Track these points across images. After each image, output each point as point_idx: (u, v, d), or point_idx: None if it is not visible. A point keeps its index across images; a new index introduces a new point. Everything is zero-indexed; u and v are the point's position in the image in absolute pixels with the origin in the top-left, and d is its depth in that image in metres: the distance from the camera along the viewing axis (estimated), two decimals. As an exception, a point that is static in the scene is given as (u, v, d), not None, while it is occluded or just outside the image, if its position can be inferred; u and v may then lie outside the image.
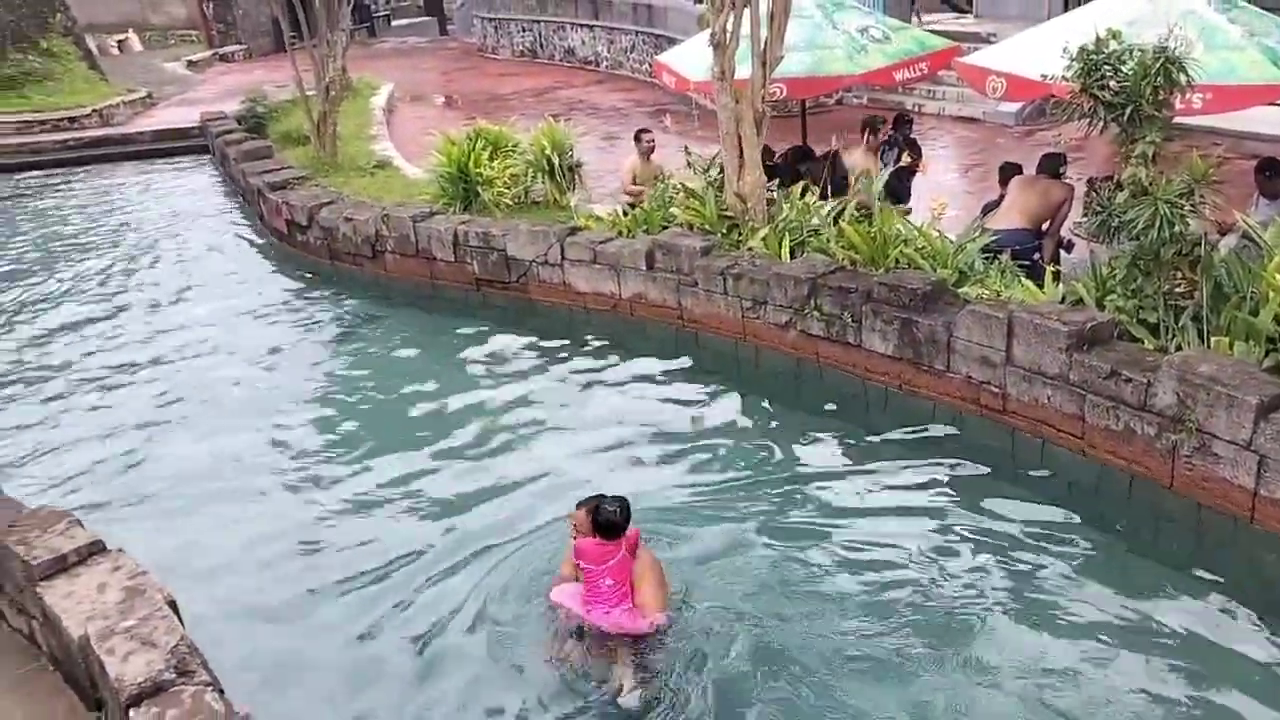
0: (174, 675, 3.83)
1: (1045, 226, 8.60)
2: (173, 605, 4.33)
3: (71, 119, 19.00)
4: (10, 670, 4.67)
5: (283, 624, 5.68)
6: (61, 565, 4.54)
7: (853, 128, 10.47)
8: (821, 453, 7.11)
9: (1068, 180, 8.81)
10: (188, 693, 3.77)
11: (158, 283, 11.57)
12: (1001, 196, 8.98)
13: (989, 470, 6.75)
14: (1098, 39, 6.47)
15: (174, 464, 7.42)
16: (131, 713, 3.68)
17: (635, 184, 10.51)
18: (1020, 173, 9.12)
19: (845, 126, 14.21)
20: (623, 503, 5.26)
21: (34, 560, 4.52)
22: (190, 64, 27.47)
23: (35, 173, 17.38)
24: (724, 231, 9.05)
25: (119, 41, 30.11)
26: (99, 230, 13.87)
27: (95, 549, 4.66)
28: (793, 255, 8.48)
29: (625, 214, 9.83)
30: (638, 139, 10.61)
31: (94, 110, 19.28)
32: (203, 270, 11.98)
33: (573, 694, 5.04)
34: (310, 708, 5.12)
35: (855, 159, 9.73)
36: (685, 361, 8.58)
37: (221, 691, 3.86)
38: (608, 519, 5.18)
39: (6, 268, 12.34)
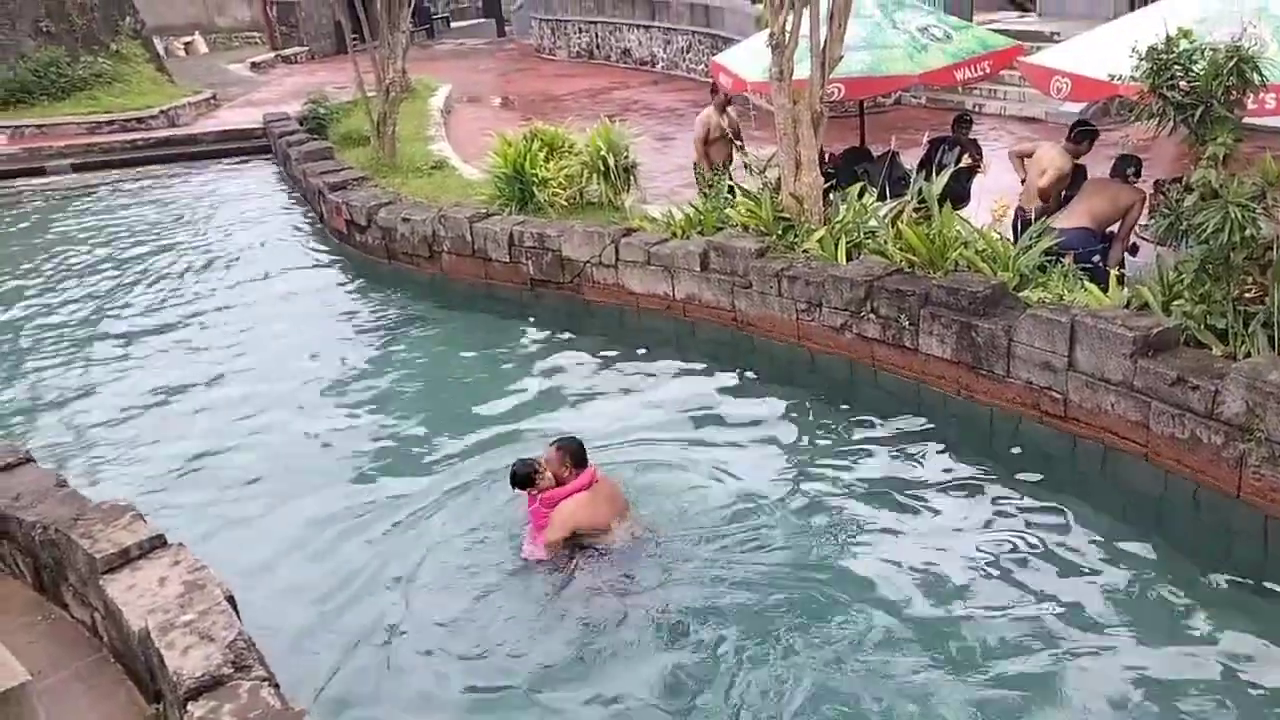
0: (231, 670, 3.88)
1: (1113, 229, 8.40)
2: (231, 600, 4.40)
3: (139, 120, 19.39)
4: (73, 660, 4.77)
5: (333, 614, 5.74)
6: (124, 558, 4.62)
7: (906, 128, 10.29)
8: (875, 456, 7.03)
9: (1138, 185, 8.58)
10: (244, 687, 3.81)
11: (219, 280, 11.76)
12: (1068, 197, 8.78)
13: (1049, 477, 6.63)
14: (1168, 38, 6.32)
15: (230, 458, 7.53)
16: (189, 706, 3.73)
17: (710, 140, 10.42)
18: (1085, 174, 8.92)
19: (903, 126, 14.11)
20: (519, 462, 6.17)
21: (97, 553, 4.60)
22: (254, 66, 27.92)
23: (104, 172, 17.73)
24: (779, 233, 8.99)
25: (185, 44, 30.73)
26: (162, 229, 14.13)
27: (156, 543, 4.74)
28: (849, 257, 8.38)
29: (699, 178, 9.71)
30: (714, 91, 10.52)
31: (161, 111, 19.65)
32: (263, 268, 12.15)
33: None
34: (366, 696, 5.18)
35: (1049, 155, 8.93)
36: (738, 363, 8.53)
37: (277, 686, 3.90)
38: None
39: (75, 265, 12.64)
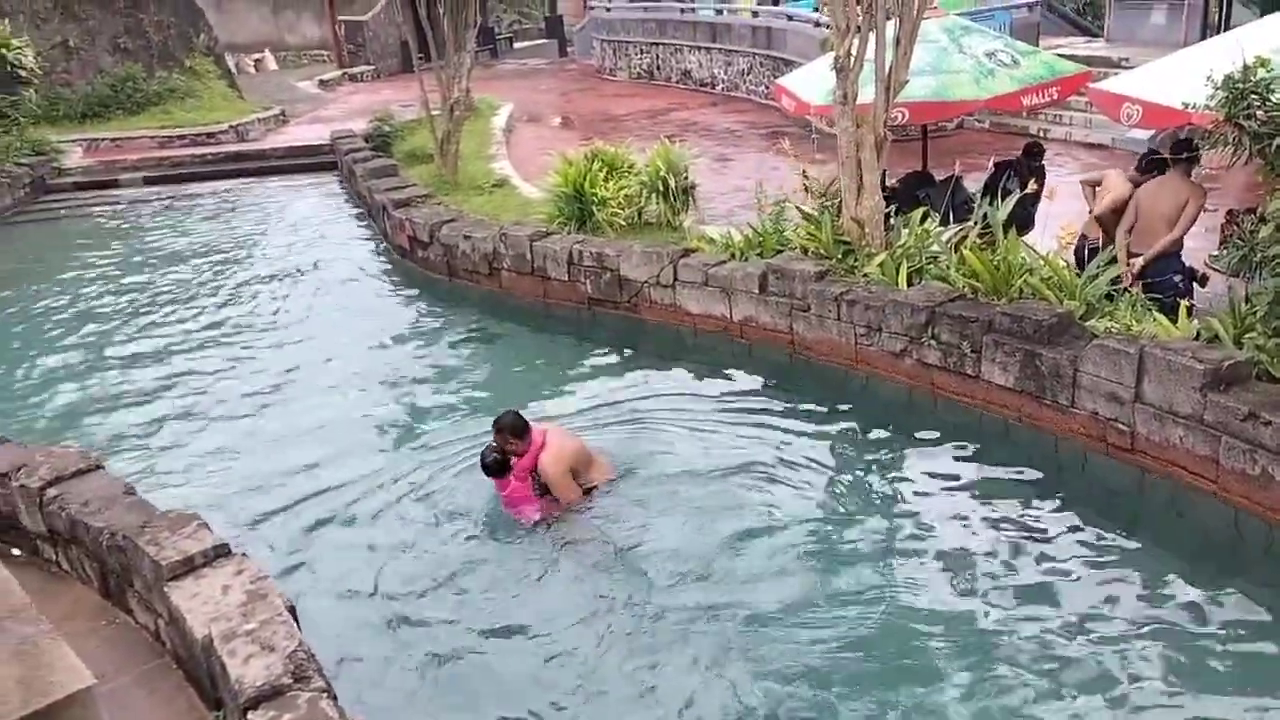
0: (291, 680, 3.92)
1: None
2: (292, 610, 4.45)
3: (209, 135, 19.86)
4: (136, 665, 4.86)
5: (392, 627, 5.78)
6: (189, 566, 4.69)
7: (968, 152, 10.16)
8: (933, 484, 6.93)
9: (1196, 181, 8.25)
10: (303, 698, 3.84)
11: (283, 292, 11.98)
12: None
13: (1114, 511, 6.49)
14: (1244, 66, 6.20)
15: (292, 467, 7.61)
16: (249, 715, 3.77)
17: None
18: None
19: (964, 151, 13.98)
20: (495, 453, 6.67)
21: (163, 561, 4.68)
22: (322, 83, 28.48)
23: (175, 185, 18.16)
24: (839, 256, 8.94)
25: (255, 61, 31.46)
26: (229, 242, 14.43)
27: (221, 551, 4.81)
28: (910, 282, 8.31)
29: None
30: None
31: (230, 127, 20.11)
32: (327, 282, 12.35)
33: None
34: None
35: (1110, 181, 8.91)
36: (794, 386, 8.48)
37: (335, 698, 3.94)
38: (482, 466, 6.74)
39: (143, 276, 12.94)
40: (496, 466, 6.69)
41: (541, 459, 6.60)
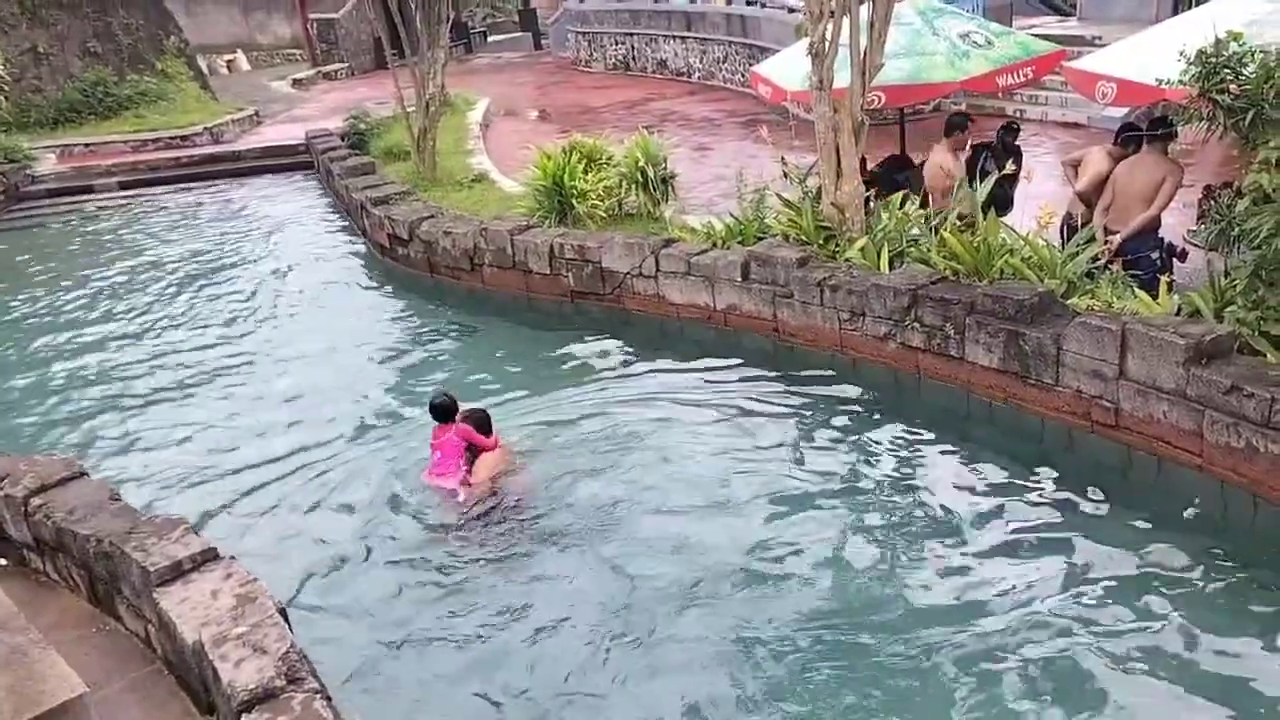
0: (284, 682, 3.90)
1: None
2: (282, 612, 4.43)
3: (184, 137, 19.73)
4: (127, 672, 4.83)
5: (382, 625, 5.77)
6: (177, 571, 4.67)
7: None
8: (920, 467, 6.96)
9: (1173, 157, 8.28)
10: (297, 700, 3.83)
11: (262, 294, 11.89)
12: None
13: (1101, 487, 6.51)
14: (1217, 41, 6.22)
15: (278, 471, 7.57)
16: (243, 718, 3.76)
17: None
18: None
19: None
20: (446, 395, 7.12)
21: (151, 566, 4.65)
22: (295, 82, 28.30)
23: (150, 189, 18.01)
24: (821, 242, 8.95)
25: (228, 62, 31.24)
26: (205, 244, 14.31)
27: (209, 556, 4.79)
28: (892, 266, 8.33)
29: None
30: (952, 130, 9.42)
31: (205, 129, 19.97)
32: (307, 283, 12.28)
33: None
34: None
35: (1090, 158, 8.90)
36: (779, 373, 8.49)
37: (329, 699, 3.93)
38: (430, 403, 7.15)
39: (120, 281, 12.84)
40: (442, 410, 7.03)
41: (489, 456, 7.04)
